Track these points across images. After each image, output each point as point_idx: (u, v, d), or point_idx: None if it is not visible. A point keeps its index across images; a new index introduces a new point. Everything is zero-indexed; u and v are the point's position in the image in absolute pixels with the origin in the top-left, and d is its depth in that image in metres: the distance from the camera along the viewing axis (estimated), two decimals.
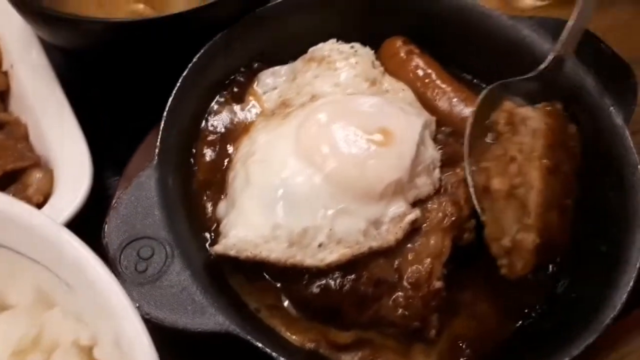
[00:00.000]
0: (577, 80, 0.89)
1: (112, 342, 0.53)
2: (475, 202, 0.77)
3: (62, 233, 0.56)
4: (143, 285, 0.69)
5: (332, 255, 0.76)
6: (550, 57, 0.87)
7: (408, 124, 0.83)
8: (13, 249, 0.60)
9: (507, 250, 0.72)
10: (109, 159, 0.99)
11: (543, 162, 0.72)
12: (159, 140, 0.80)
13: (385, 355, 0.78)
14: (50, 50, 1.01)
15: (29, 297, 0.62)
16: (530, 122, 0.76)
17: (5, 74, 1.00)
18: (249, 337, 0.68)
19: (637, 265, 0.76)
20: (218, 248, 0.76)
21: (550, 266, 0.89)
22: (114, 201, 0.75)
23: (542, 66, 0.87)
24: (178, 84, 0.86)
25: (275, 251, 0.75)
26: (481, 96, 0.85)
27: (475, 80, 1.06)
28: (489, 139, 0.81)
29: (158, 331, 0.67)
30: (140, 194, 0.75)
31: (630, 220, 0.80)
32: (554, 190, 0.72)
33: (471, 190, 0.78)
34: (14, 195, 0.86)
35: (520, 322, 0.84)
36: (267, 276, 0.80)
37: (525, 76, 0.87)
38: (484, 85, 1.04)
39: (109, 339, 0.53)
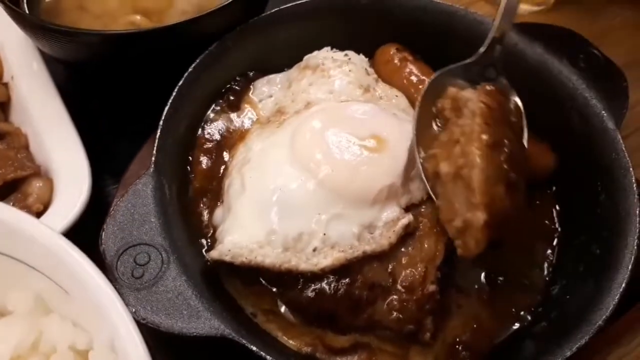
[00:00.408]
0: (537, 61, 0.93)
1: (107, 347, 0.54)
2: (428, 187, 0.78)
3: (60, 242, 0.57)
4: (139, 291, 0.70)
5: (326, 260, 0.77)
6: (488, 40, 0.88)
7: (401, 130, 0.84)
8: (13, 257, 0.61)
9: (459, 230, 0.72)
10: (108, 167, 1.01)
11: (482, 139, 0.72)
12: (155, 148, 0.82)
13: (382, 358, 0.79)
14: (50, 62, 1.03)
15: (28, 304, 0.63)
16: (469, 103, 0.77)
17: (6, 85, 1.02)
18: (243, 341, 0.69)
19: (630, 268, 0.76)
20: (214, 254, 0.77)
21: (546, 269, 0.90)
22: (111, 209, 0.76)
23: (482, 49, 0.88)
24: (174, 94, 0.87)
25: (270, 256, 0.76)
26: (425, 87, 0.86)
27: None
28: (437, 126, 0.82)
29: (154, 335, 0.69)
30: (137, 201, 0.76)
31: (622, 223, 0.81)
32: (498, 166, 0.72)
33: (423, 177, 0.79)
34: (14, 204, 0.88)
35: (516, 324, 0.85)
36: (263, 281, 0.81)
37: (467, 61, 0.88)
38: None
39: (105, 344, 0.54)
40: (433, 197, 0.78)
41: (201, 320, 0.69)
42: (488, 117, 0.75)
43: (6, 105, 1.01)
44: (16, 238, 0.61)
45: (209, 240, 0.85)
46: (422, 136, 0.82)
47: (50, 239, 0.58)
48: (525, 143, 0.85)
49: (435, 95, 0.85)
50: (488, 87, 0.80)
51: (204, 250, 0.83)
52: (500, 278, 0.88)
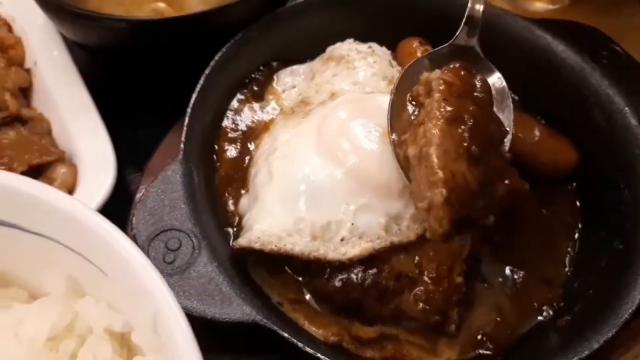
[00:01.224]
0: (560, 57, 0.94)
1: (149, 327, 0.54)
2: (402, 173, 0.77)
3: (98, 219, 0.57)
4: (172, 276, 0.70)
5: (354, 249, 0.77)
6: (462, 26, 0.89)
7: None
8: (50, 237, 0.61)
9: (426, 211, 0.70)
10: (129, 155, 1.00)
11: (438, 115, 0.71)
12: (183, 136, 0.82)
13: (409, 350, 0.79)
14: (73, 48, 1.02)
15: (62, 285, 0.63)
16: (433, 83, 0.76)
17: (28, 71, 1.01)
18: (275, 328, 0.69)
19: None
20: (242, 241, 0.77)
21: (567, 264, 0.90)
22: (140, 194, 0.76)
23: (458, 34, 0.89)
24: (201, 82, 0.87)
25: (299, 244, 0.76)
26: (399, 76, 0.86)
27: None
28: (412, 111, 0.81)
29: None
30: (167, 187, 0.76)
31: None
32: (458, 141, 0.70)
33: (397, 164, 0.77)
34: None
35: (538, 317, 0.85)
36: (289, 270, 0.81)
37: (444, 46, 0.89)
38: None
39: (146, 324, 0.54)
40: (407, 183, 0.76)
41: (233, 307, 0.69)
42: (446, 93, 0.73)
43: (29, 91, 1.00)
44: (52, 217, 0.60)
45: (235, 229, 0.84)
46: (400, 124, 0.81)
47: (86, 215, 0.58)
48: (508, 122, 0.83)
49: (412, 83, 0.84)
50: (451, 65, 0.79)
51: (230, 239, 0.83)
52: (522, 272, 0.88)
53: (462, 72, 0.77)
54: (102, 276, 0.59)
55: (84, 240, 0.59)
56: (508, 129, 0.83)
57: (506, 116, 0.85)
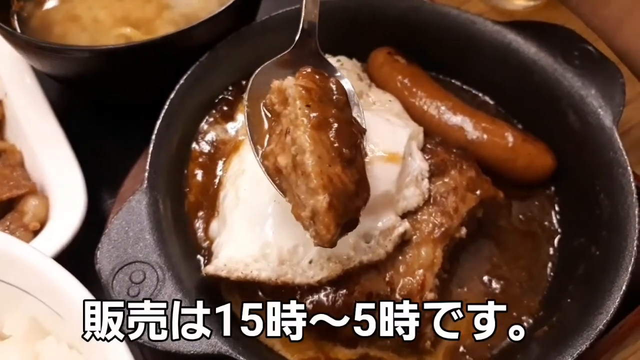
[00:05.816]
0: (532, 59, 0.94)
1: None
2: (274, 186, 0.75)
3: (50, 266, 0.57)
4: None
5: (322, 272, 0.76)
6: (299, 30, 0.88)
7: (394, 137, 0.83)
8: (6, 282, 0.61)
9: (310, 220, 0.69)
10: (105, 181, 1.00)
11: (305, 122, 0.70)
12: (147, 163, 0.81)
13: None
14: (43, 78, 1.02)
15: (24, 327, 0.63)
16: (289, 90, 0.75)
17: (0, 102, 1.01)
18: (241, 358, 0.68)
19: (630, 270, 0.76)
20: (209, 269, 0.77)
21: (547, 271, 0.89)
22: (105, 227, 0.76)
23: (297, 39, 0.87)
24: (165, 107, 0.87)
25: (266, 270, 0.76)
26: (248, 87, 0.84)
27: (464, 86, 1.06)
28: (271, 122, 0.79)
29: (155, 352, 0.69)
30: (131, 218, 0.76)
31: (622, 224, 0.80)
32: (328, 145, 0.70)
33: (267, 177, 0.76)
34: (10, 223, 0.88)
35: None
36: (260, 294, 0.81)
37: (285, 52, 0.87)
38: (473, 91, 1.06)
39: None
40: (282, 195, 0.75)
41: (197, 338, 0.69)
42: (308, 99, 0.73)
43: (1, 123, 1.01)
44: (8, 263, 0.61)
45: (205, 254, 0.84)
46: (260, 137, 0.80)
47: (39, 263, 0.58)
48: (360, 119, 0.82)
49: (264, 93, 0.81)
50: (303, 71, 0.78)
51: (202, 264, 0.83)
52: (502, 281, 0.87)
53: (317, 77, 0.77)
54: (59, 318, 0.60)
55: (40, 286, 0.59)
56: (363, 126, 0.81)
57: (357, 113, 0.83)
